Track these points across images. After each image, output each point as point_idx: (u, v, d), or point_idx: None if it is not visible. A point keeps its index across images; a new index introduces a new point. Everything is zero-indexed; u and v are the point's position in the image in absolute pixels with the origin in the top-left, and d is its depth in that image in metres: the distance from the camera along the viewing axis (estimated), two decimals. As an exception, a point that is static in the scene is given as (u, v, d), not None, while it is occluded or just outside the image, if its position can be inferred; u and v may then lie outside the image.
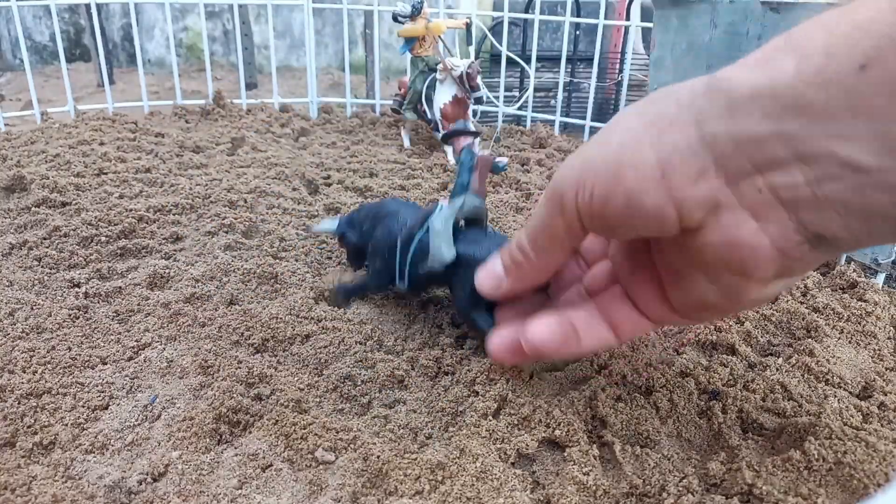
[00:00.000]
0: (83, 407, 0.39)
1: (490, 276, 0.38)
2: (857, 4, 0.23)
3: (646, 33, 1.47)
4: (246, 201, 0.71)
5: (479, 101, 0.90)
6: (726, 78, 0.25)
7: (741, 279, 0.28)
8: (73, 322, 0.48)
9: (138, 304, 0.50)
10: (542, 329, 0.34)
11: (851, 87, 0.22)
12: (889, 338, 0.50)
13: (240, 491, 0.33)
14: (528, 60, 1.11)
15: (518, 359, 0.38)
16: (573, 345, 0.35)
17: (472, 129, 0.45)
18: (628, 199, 0.27)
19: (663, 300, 0.32)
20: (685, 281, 0.30)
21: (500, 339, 0.38)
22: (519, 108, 1.13)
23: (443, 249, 0.42)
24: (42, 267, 0.56)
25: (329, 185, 0.80)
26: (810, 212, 0.24)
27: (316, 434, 0.36)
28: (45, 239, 0.60)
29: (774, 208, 0.25)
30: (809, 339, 0.47)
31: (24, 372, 0.41)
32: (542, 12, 1.22)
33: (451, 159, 0.91)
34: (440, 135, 0.92)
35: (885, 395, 0.42)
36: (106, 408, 0.39)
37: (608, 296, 0.35)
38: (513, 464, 0.36)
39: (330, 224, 0.53)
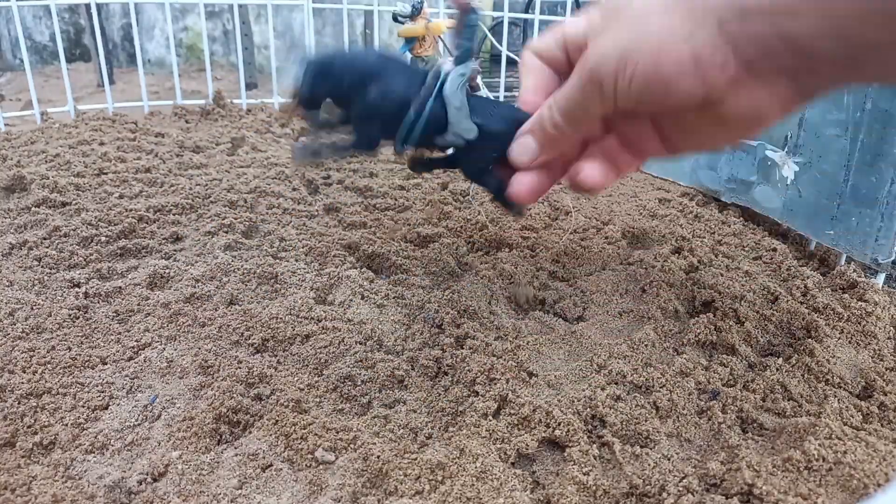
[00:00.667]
0: (83, 407, 0.39)
1: (526, 150, 0.44)
2: None
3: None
4: (246, 201, 0.71)
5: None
6: None
7: (745, 129, 0.37)
8: (73, 322, 0.48)
9: (138, 304, 0.50)
10: (594, 172, 0.42)
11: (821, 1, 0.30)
12: (889, 338, 0.50)
13: (240, 491, 0.33)
14: (528, 60, 1.11)
15: (535, 198, 0.45)
16: (608, 181, 0.43)
17: None
18: (667, 85, 0.34)
19: (660, 145, 0.41)
20: (691, 133, 0.39)
21: (522, 185, 0.44)
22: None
23: (464, 124, 0.44)
24: (42, 267, 0.56)
25: (329, 185, 0.80)
26: (801, 80, 0.34)
27: (316, 434, 0.36)
28: (45, 239, 0.60)
29: (777, 80, 0.34)
30: (809, 339, 0.47)
31: (24, 372, 0.41)
32: (542, 12, 1.22)
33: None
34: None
35: (885, 395, 0.42)
36: (106, 408, 0.39)
37: (608, 143, 0.43)
38: (513, 464, 0.36)
39: (298, 67, 0.44)
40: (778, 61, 0.33)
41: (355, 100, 0.44)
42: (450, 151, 0.47)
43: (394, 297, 0.52)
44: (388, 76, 0.44)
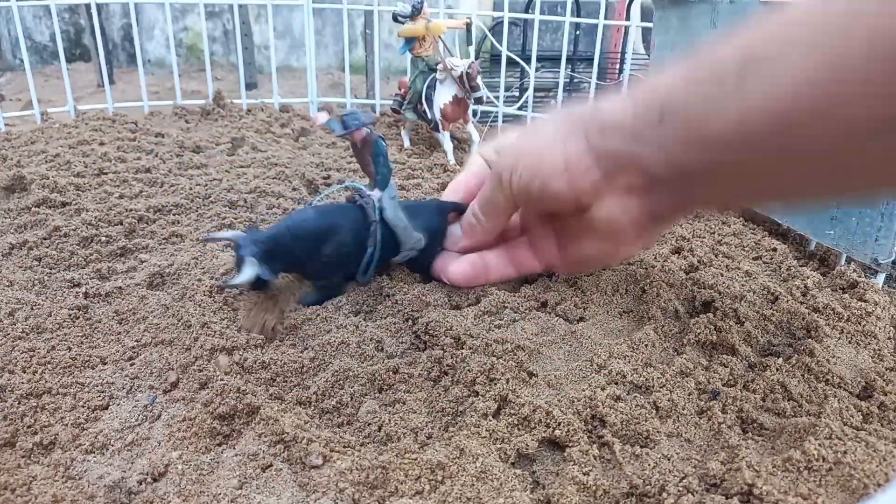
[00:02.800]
0: (83, 407, 0.39)
1: (454, 239, 0.53)
2: (664, 70, 0.36)
3: (646, 33, 1.46)
4: (246, 201, 0.71)
5: (479, 101, 0.90)
6: (602, 110, 0.39)
7: (612, 243, 0.43)
8: (73, 322, 0.48)
9: (138, 304, 0.50)
10: (457, 268, 0.51)
11: (656, 129, 0.36)
12: (889, 338, 0.50)
13: (240, 491, 0.33)
14: (528, 60, 1.11)
15: (468, 281, 0.52)
16: (482, 277, 0.51)
17: (365, 119, 0.48)
18: (543, 183, 0.40)
19: (557, 252, 0.48)
20: (576, 241, 0.45)
21: (456, 272, 0.52)
22: (519, 108, 1.13)
23: (413, 238, 0.51)
24: (42, 267, 0.56)
25: (329, 185, 0.80)
26: (647, 199, 0.38)
27: (316, 434, 0.36)
28: (45, 239, 0.60)
29: (630, 196, 0.39)
30: (809, 339, 0.47)
31: (24, 372, 0.41)
32: (542, 12, 1.22)
33: (452, 159, 0.91)
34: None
35: (885, 395, 0.42)
36: (106, 408, 0.39)
37: (516, 244, 0.51)
38: (513, 464, 0.36)
39: (250, 269, 0.45)
40: (629, 177, 0.38)
41: (311, 262, 0.49)
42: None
43: (394, 297, 0.52)
44: (333, 229, 0.48)
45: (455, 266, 0.51)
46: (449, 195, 0.54)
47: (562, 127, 0.40)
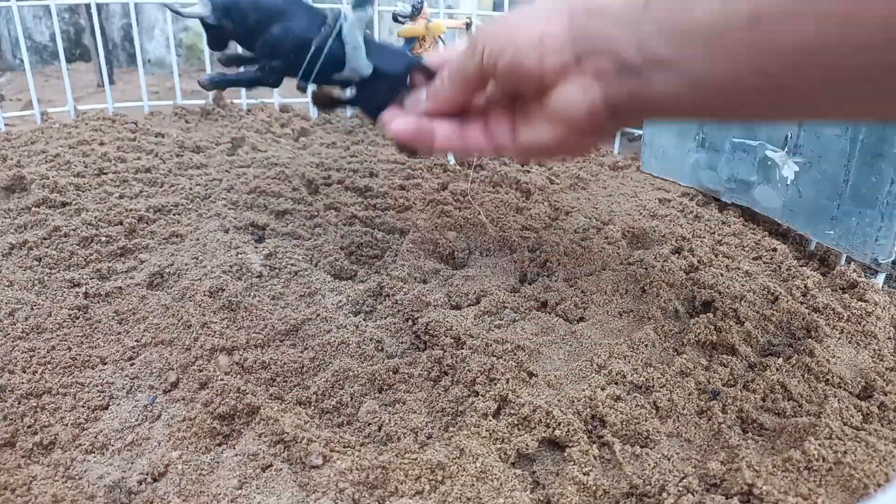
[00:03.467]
0: (83, 407, 0.39)
1: (416, 102, 0.51)
2: None
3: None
4: (246, 201, 0.71)
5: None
6: None
7: (566, 131, 0.41)
8: (73, 322, 0.48)
9: (138, 304, 0.50)
10: (402, 122, 0.49)
11: (640, 14, 0.35)
12: (889, 338, 0.50)
13: (240, 491, 0.33)
14: (528, 60, 1.10)
15: (410, 136, 0.49)
16: (426, 138, 0.49)
17: None
18: (513, 55, 0.40)
19: (510, 136, 0.47)
20: (531, 126, 0.45)
21: (401, 123, 0.50)
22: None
23: (361, 62, 0.49)
24: (42, 267, 0.56)
25: (329, 185, 0.80)
26: (611, 87, 0.38)
27: (316, 434, 0.36)
28: (45, 239, 0.60)
29: (594, 81, 0.38)
30: (809, 339, 0.47)
31: (24, 372, 0.41)
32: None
33: (452, 159, 0.91)
34: None
35: (885, 395, 0.42)
36: (106, 408, 0.39)
37: (471, 121, 0.49)
38: (513, 464, 0.36)
39: (202, 8, 0.47)
40: (599, 61, 0.38)
41: (259, 37, 0.48)
42: (349, 92, 0.53)
43: (394, 297, 0.52)
44: (291, 16, 0.48)
45: (400, 119, 0.49)
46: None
47: (550, 5, 0.40)
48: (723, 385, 0.43)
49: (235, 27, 0.48)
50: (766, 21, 0.29)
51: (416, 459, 0.34)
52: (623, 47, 0.36)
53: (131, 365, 0.43)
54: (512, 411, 0.39)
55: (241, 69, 0.52)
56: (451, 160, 0.91)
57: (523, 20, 0.41)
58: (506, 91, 0.47)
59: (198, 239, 0.62)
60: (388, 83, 0.51)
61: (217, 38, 0.49)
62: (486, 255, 0.61)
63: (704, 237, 0.68)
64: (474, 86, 0.47)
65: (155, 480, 0.34)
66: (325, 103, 0.56)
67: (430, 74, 0.51)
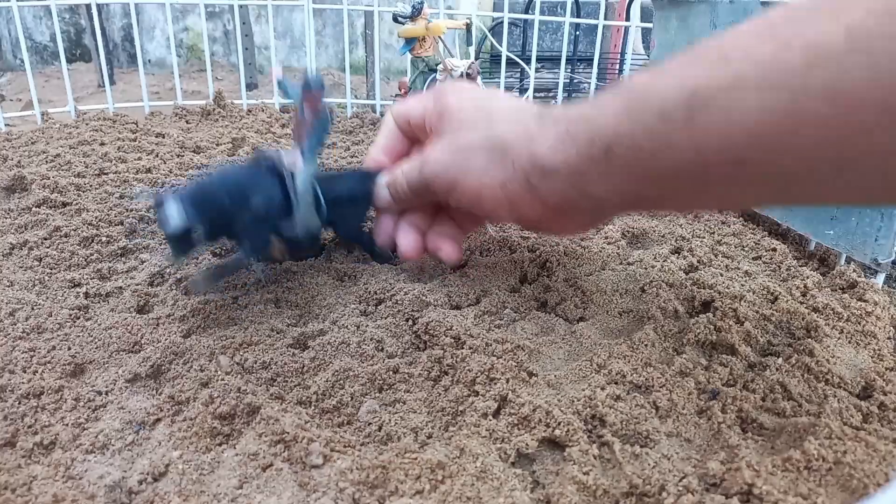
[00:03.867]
0: (84, 407, 0.39)
1: (383, 200, 0.52)
2: (598, 103, 0.36)
3: (646, 33, 1.46)
4: (246, 201, 0.71)
5: (479, 101, 0.90)
6: (540, 156, 0.38)
7: (560, 234, 0.49)
8: (74, 322, 0.48)
9: (139, 305, 0.50)
10: (450, 249, 0.51)
11: (603, 166, 0.36)
12: (889, 338, 0.50)
13: (240, 491, 0.33)
14: (527, 61, 1.11)
15: (416, 253, 0.52)
16: (460, 250, 0.52)
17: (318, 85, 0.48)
18: (486, 210, 0.43)
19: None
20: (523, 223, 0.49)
21: (384, 233, 0.53)
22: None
23: (313, 222, 0.49)
24: (42, 267, 0.56)
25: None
26: (597, 213, 0.42)
27: (316, 434, 0.36)
28: (45, 239, 0.60)
29: (578, 215, 0.41)
30: (809, 339, 0.47)
31: (25, 372, 0.41)
32: (542, 13, 1.22)
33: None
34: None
35: (885, 395, 0.42)
36: (106, 407, 0.39)
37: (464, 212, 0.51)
38: (513, 464, 0.36)
39: (177, 218, 0.42)
40: (577, 207, 0.39)
41: (240, 215, 0.45)
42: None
43: (394, 297, 0.52)
44: (258, 180, 0.47)
45: (447, 248, 0.51)
46: (373, 162, 0.52)
47: (496, 169, 0.40)
48: (722, 385, 0.43)
49: (211, 218, 0.44)
50: (751, 162, 0.31)
51: (416, 459, 0.34)
52: (601, 197, 0.37)
53: (132, 364, 0.43)
54: (512, 411, 0.39)
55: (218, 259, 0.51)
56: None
57: (475, 179, 0.41)
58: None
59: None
60: (358, 206, 0.52)
61: (186, 241, 0.44)
62: (486, 255, 0.61)
63: (704, 237, 0.68)
64: (430, 197, 0.48)
65: (155, 480, 0.34)
66: (279, 259, 0.55)
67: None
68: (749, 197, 0.36)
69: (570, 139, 0.36)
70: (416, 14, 0.93)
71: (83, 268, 0.56)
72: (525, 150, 0.38)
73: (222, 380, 0.41)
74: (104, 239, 0.61)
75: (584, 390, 0.40)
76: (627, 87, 0.36)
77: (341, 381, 0.42)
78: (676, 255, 0.63)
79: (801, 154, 0.29)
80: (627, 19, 1.43)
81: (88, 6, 1.24)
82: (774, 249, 0.65)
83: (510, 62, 1.14)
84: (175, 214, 0.41)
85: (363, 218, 0.53)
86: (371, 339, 0.46)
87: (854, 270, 0.58)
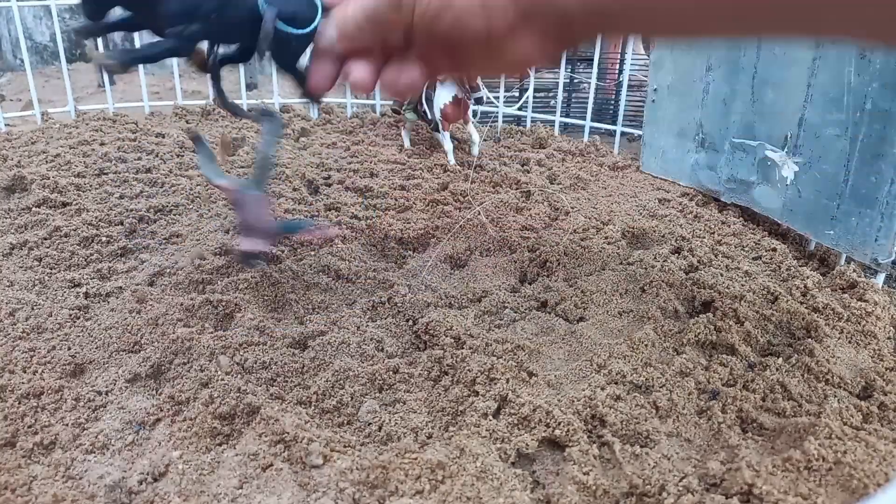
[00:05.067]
0: (84, 407, 0.39)
1: (327, 41, 0.49)
2: None
3: (646, 33, 1.46)
4: (246, 201, 0.71)
5: (479, 101, 0.90)
6: None
7: (516, 67, 0.43)
8: (74, 322, 0.48)
9: (139, 305, 0.50)
10: (361, 71, 0.47)
11: None
12: (889, 338, 0.50)
13: (240, 491, 0.33)
14: (528, 61, 1.11)
15: (329, 85, 0.49)
16: (375, 82, 0.47)
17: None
18: (456, 18, 0.40)
19: (452, 62, 0.46)
20: (476, 60, 0.43)
21: (319, 73, 0.49)
22: (519, 109, 1.13)
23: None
24: (43, 267, 0.56)
25: (329, 185, 0.80)
26: (561, 35, 0.38)
27: (316, 434, 0.36)
28: (45, 239, 0.60)
29: (543, 29, 0.39)
30: (809, 339, 0.47)
31: (25, 372, 0.41)
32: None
33: (452, 160, 0.91)
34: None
35: (885, 395, 0.42)
36: (106, 407, 0.39)
37: (407, 56, 0.47)
38: (513, 464, 0.36)
39: None
40: (544, 14, 0.38)
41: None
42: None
43: (394, 297, 0.52)
44: None
45: (357, 70, 0.47)
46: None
47: None
48: (723, 385, 0.43)
49: None
50: None
51: (416, 459, 0.34)
52: (566, 3, 0.37)
53: (132, 364, 0.43)
54: (512, 411, 0.39)
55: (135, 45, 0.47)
56: (451, 160, 0.91)
57: None
58: (433, 41, 0.45)
59: (198, 239, 0.62)
60: (299, 40, 0.48)
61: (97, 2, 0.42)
62: (486, 255, 0.61)
63: (704, 237, 0.68)
64: (386, 37, 0.45)
65: (155, 480, 0.34)
66: (203, 67, 0.50)
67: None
68: (692, 6, 0.35)
69: None
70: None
71: (83, 268, 0.56)
72: None
73: (222, 380, 0.41)
74: (104, 239, 0.61)
75: (584, 390, 0.40)
76: None
77: (341, 381, 0.42)
78: (676, 255, 0.63)
79: None
80: (627, 19, 1.43)
81: (88, 6, 1.24)
82: (774, 249, 0.65)
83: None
84: None
85: (298, 48, 0.49)
86: (371, 340, 0.46)
87: (854, 270, 0.58)
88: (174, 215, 0.67)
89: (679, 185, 0.85)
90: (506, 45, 0.41)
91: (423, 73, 0.48)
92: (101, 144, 0.90)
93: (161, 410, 0.39)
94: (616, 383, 0.42)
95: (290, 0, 0.48)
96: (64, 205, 0.68)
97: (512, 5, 0.39)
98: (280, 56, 0.50)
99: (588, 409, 0.39)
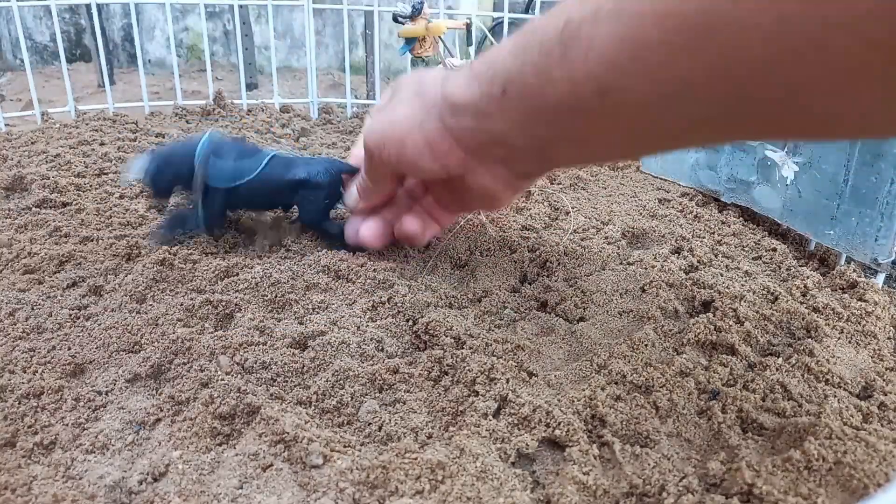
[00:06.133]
0: (84, 407, 0.39)
1: (350, 197, 0.56)
2: (501, 44, 0.37)
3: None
4: (246, 201, 0.71)
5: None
6: (451, 93, 0.40)
7: (490, 201, 0.48)
8: (74, 322, 0.48)
9: (139, 305, 0.50)
10: (412, 224, 0.53)
11: (502, 104, 0.37)
12: (889, 338, 0.50)
13: (240, 491, 0.33)
14: (528, 61, 1.10)
15: (383, 242, 0.56)
16: (426, 234, 0.55)
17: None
18: (412, 162, 0.43)
19: (457, 203, 0.52)
20: (464, 198, 0.49)
21: (368, 229, 0.55)
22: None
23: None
24: (43, 267, 0.56)
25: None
26: (514, 165, 0.42)
27: (316, 434, 0.36)
28: (45, 239, 0.60)
29: (495, 163, 0.42)
30: (809, 339, 0.47)
31: (25, 372, 0.41)
32: (542, 12, 1.22)
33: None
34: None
35: (885, 395, 0.42)
36: (106, 407, 0.39)
37: (427, 202, 0.54)
38: (513, 464, 0.36)
39: (141, 163, 0.57)
40: (490, 150, 0.40)
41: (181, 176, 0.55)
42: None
43: (394, 297, 0.52)
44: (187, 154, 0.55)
45: (409, 221, 0.54)
46: (354, 159, 0.57)
47: (417, 110, 0.42)
48: (723, 385, 0.43)
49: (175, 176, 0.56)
50: (615, 90, 0.31)
51: (416, 459, 0.34)
52: (507, 137, 0.38)
53: (132, 364, 0.43)
54: (512, 411, 0.39)
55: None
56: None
57: (402, 128, 0.43)
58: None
59: (198, 239, 0.62)
60: (319, 191, 0.56)
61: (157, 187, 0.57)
62: (486, 255, 0.61)
63: (704, 237, 0.68)
64: (391, 179, 0.50)
65: (155, 480, 0.34)
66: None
67: (354, 172, 0.56)
68: (627, 136, 0.35)
69: (475, 79, 0.38)
70: (416, 14, 0.93)
71: (83, 268, 0.56)
72: (438, 90, 0.41)
73: (222, 380, 0.41)
74: (104, 239, 0.61)
75: (584, 390, 0.40)
76: (525, 27, 0.37)
77: (341, 381, 0.42)
78: (676, 255, 0.63)
79: (648, 77, 0.29)
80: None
81: (88, 6, 1.24)
82: (774, 249, 0.65)
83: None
84: (140, 167, 0.55)
85: (324, 205, 0.57)
86: (371, 339, 0.46)
87: (854, 270, 0.58)
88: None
89: (679, 185, 0.85)
90: (469, 181, 0.43)
91: (443, 215, 0.54)
92: (101, 144, 0.90)
93: (161, 410, 0.39)
94: (616, 383, 0.42)
95: (309, 165, 0.56)
96: (64, 205, 0.68)
97: (455, 144, 0.41)
98: (304, 213, 0.59)
99: (588, 409, 0.39)
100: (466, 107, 0.38)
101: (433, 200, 0.54)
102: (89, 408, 0.39)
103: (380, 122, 0.45)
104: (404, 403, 0.40)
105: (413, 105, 0.42)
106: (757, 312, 0.51)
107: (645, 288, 0.54)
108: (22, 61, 1.24)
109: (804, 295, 0.55)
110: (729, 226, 0.72)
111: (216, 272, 0.54)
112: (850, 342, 0.48)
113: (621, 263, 0.60)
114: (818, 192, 0.64)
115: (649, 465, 0.35)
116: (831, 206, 0.63)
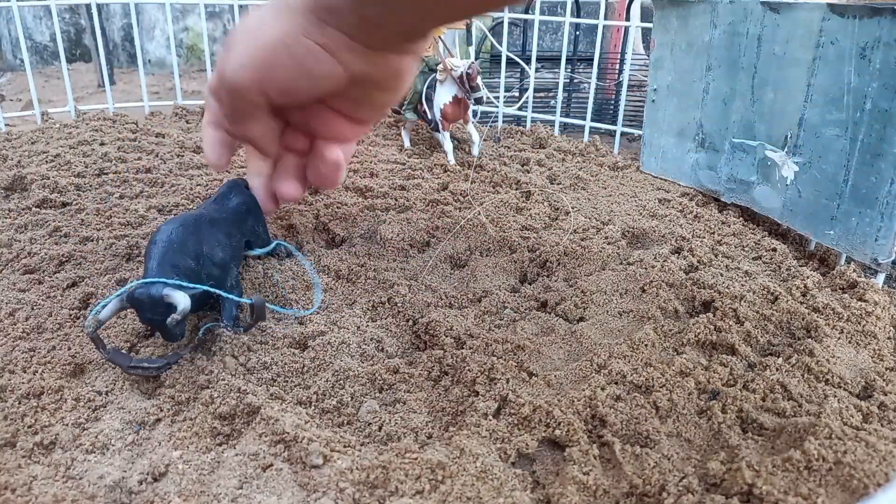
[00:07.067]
0: (84, 407, 0.39)
1: (214, 151, 0.57)
2: None
3: (646, 33, 1.47)
4: (246, 201, 0.71)
5: (479, 101, 0.90)
6: None
7: (381, 86, 0.45)
8: (74, 322, 0.48)
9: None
10: (289, 188, 0.52)
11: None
12: (889, 338, 0.50)
13: (240, 491, 0.33)
14: (528, 61, 1.11)
15: (301, 191, 0.53)
16: (301, 190, 0.53)
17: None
18: (311, 73, 0.41)
19: (346, 121, 0.49)
20: (367, 100, 0.47)
21: (263, 192, 0.54)
22: (519, 109, 1.13)
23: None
24: (43, 267, 0.56)
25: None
26: (356, 34, 0.40)
27: (316, 434, 0.36)
28: (45, 239, 0.60)
29: (348, 42, 0.40)
30: (809, 339, 0.47)
31: (25, 372, 0.41)
32: (542, 12, 1.22)
33: (452, 160, 0.91)
34: None
35: (885, 395, 0.42)
36: (106, 407, 0.39)
37: (298, 141, 0.51)
38: (513, 464, 0.36)
39: (181, 299, 0.40)
40: (339, 23, 0.39)
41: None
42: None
43: (394, 297, 0.52)
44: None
45: (286, 186, 0.52)
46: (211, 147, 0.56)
47: (291, 19, 0.41)
48: (723, 385, 0.43)
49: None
50: None
51: (416, 459, 0.34)
52: (335, 4, 0.39)
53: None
54: (512, 411, 0.39)
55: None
56: (451, 160, 0.91)
57: (282, 48, 0.41)
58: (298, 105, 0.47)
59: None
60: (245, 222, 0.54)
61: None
62: (486, 255, 0.61)
63: (704, 237, 0.68)
64: (266, 111, 0.46)
65: (155, 480, 0.34)
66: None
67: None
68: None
69: None
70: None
71: (83, 268, 0.56)
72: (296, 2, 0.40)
73: (222, 380, 0.41)
74: (104, 239, 0.61)
75: (584, 390, 0.40)
76: None
77: (341, 381, 0.42)
78: (676, 255, 0.63)
79: None
80: (627, 19, 1.43)
81: (88, 6, 1.24)
82: (774, 249, 0.65)
83: (510, 62, 1.14)
84: (181, 300, 0.40)
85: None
86: (371, 340, 0.46)
87: (854, 270, 0.58)
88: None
89: (679, 185, 0.85)
90: (356, 72, 0.42)
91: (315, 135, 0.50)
92: (101, 144, 0.90)
93: (161, 410, 0.39)
94: (616, 383, 0.42)
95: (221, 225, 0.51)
96: (64, 205, 0.68)
97: (331, 30, 0.39)
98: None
99: (588, 409, 0.39)
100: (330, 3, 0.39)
101: (304, 135, 0.51)
102: (89, 408, 0.39)
103: (246, 54, 0.42)
104: (404, 403, 0.40)
105: (285, 19, 0.41)
106: (757, 312, 0.51)
107: (645, 288, 0.54)
108: (22, 61, 1.24)
109: (804, 295, 0.55)
110: (729, 226, 0.72)
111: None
112: (850, 342, 0.48)
113: (621, 263, 0.60)
114: (818, 192, 0.64)
115: (649, 465, 0.35)
116: (831, 206, 0.63)
